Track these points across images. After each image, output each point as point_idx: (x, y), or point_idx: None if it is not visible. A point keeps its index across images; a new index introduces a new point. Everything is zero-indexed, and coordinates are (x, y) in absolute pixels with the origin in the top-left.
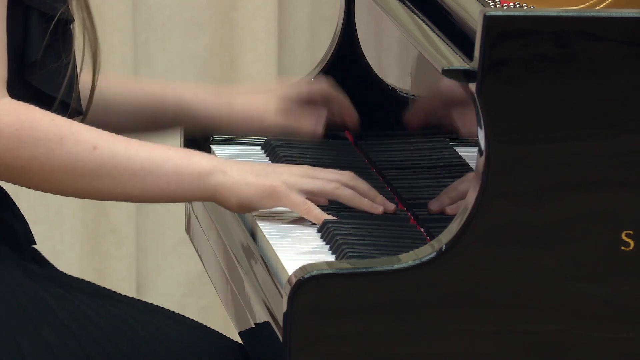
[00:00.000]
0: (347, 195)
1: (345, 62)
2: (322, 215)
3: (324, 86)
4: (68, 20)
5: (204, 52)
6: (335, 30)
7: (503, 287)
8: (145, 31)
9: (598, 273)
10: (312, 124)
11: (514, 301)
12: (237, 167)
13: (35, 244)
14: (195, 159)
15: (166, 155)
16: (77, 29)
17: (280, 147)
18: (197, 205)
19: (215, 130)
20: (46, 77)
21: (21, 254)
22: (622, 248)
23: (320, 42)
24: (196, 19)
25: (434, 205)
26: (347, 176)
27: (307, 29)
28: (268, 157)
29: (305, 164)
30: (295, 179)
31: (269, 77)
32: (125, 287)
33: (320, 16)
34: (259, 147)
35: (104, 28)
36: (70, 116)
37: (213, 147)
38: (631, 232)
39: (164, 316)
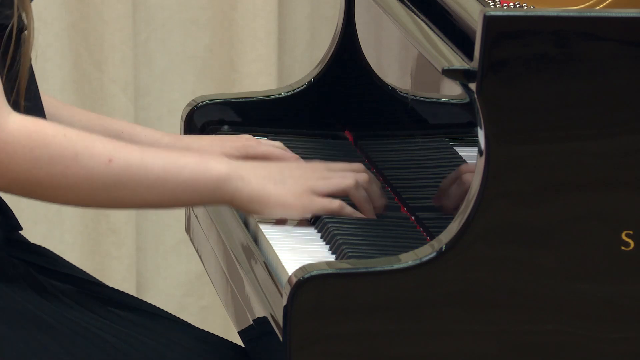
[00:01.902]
0: (360, 198)
1: (345, 62)
2: (355, 212)
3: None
4: (20, 29)
5: (204, 52)
6: (335, 30)
7: (503, 287)
8: (145, 31)
9: (598, 273)
10: None
11: (514, 301)
12: (255, 173)
13: (20, 229)
14: (212, 165)
15: (183, 162)
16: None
17: None
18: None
19: None
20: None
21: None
22: (622, 248)
23: (320, 42)
24: (196, 19)
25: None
26: (364, 176)
27: (307, 29)
28: None
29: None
30: (312, 182)
31: (269, 77)
32: (125, 287)
33: (320, 16)
34: None
35: (104, 28)
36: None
37: None
38: (631, 232)
39: (163, 323)
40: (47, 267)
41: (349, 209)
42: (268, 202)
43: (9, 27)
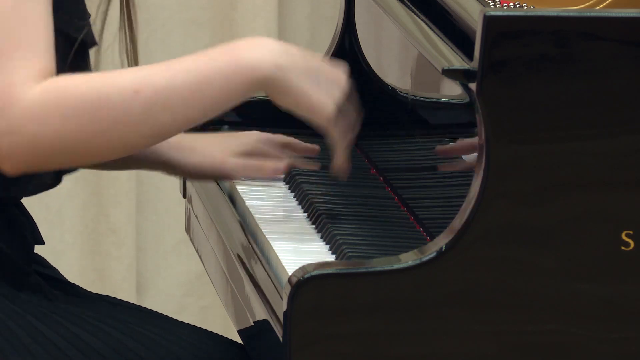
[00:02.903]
0: (336, 138)
1: (345, 62)
2: (346, 160)
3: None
4: (89, 43)
5: None
6: (335, 30)
7: (503, 287)
8: (145, 31)
9: (598, 273)
10: (273, 162)
11: (514, 301)
12: (291, 66)
13: (43, 243)
14: (242, 57)
15: (209, 68)
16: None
17: None
18: (197, 205)
19: (174, 170)
20: None
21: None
22: (622, 248)
23: (320, 42)
24: (196, 19)
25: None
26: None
27: (307, 29)
28: None
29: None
30: (336, 92)
31: None
32: (125, 287)
33: (320, 16)
34: None
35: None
36: None
37: None
38: (631, 232)
39: (162, 325)
40: (48, 274)
41: (345, 155)
42: (299, 100)
43: (79, 39)
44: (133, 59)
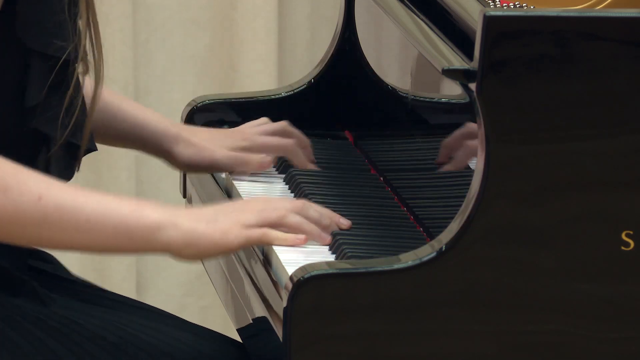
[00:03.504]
0: (294, 222)
1: (345, 62)
2: (281, 234)
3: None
4: (72, 61)
5: (204, 52)
6: (335, 30)
7: (503, 287)
8: (145, 31)
9: (598, 273)
10: (260, 156)
11: (514, 301)
12: (188, 217)
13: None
14: (146, 212)
15: (114, 205)
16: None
17: None
18: (197, 205)
19: (171, 161)
20: (48, 119)
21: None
22: (622, 248)
23: (320, 42)
24: (196, 19)
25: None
26: (297, 203)
27: (307, 29)
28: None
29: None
30: (243, 216)
31: (269, 77)
32: (125, 287)
33: (320, 16)
34: None
35: (104, 28)
36: (83, 155)
37: None
38: (631, 232)
39: (162, 324)
40: (51, 272)
41: (272, 234)
42: (198, 243)
43: (62, 60)
44: (98, 68)
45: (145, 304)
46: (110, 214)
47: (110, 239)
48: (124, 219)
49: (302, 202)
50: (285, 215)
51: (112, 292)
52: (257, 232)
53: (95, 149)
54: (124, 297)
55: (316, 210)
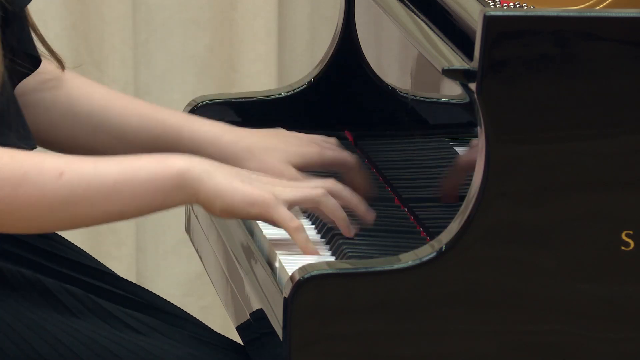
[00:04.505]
0: (330, 205)
1: (345, 62)
2: (308, 241)
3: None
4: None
5: (204, 52)
6: (335, 30)
7: (503, 287)
8: (145, 31)
9: (598, 273)
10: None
11: (514, 301)
12: (221, 169)
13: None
14: (172, 161)
15: (139, 163)
16: None
17: None
18: (197, 205)
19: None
20: None
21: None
22: (622, 248)
23: (320, 42)
24: (196, 19)
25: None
26: (330, 182)
27: (307, 29)
28: None
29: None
30: (280, 189)
31: (269, 77)
32: None
33: (320, 16)
34: None
35: (104, 28)
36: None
37: None
38: (631, 232)
39: (164, 320)
40: (55, 252)
41: (303, 235)
42: (234, 197)
43: None
44: None
45: (146, 300)
46: (137, 172)
47: (141, 197)
48: (151, 171)
49: (334, 181)
50: (324, 194)
51: (115, 276)
52: (295, 222)
53: (34, 146)
54: (126, 281)
55: (348, 189)
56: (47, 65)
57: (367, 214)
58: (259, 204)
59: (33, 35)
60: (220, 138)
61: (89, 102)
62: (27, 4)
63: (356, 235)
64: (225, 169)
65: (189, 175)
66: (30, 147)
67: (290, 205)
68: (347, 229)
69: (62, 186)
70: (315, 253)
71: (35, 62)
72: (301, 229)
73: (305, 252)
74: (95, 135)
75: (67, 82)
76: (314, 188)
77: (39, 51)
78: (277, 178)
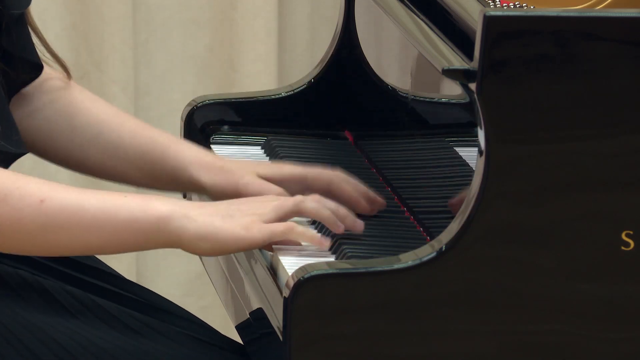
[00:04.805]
0: (312, 208)
1: (345, 62)
2: (308, 230)
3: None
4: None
5: (204, 52)
6: (335, 30)
7: (503, 287)
8: (145, 31)
9: (598, 273)
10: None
11: (514, 301)
12: (201, 211)
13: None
14: (154, 205)
15: (121, 202)
16: None
17: (280, 147)
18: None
19: (201, 191)
20: None
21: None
22: (622, 248)
23: (320, 42)
24: (196, 19)
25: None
26: (312, 196)
27: (307, 29)
28: (268, 157)
29: (304, 164)
30: (259, 211)
31: (269, 77)
32: None
33: (320, 16)
34: (259, 147)
35: (104, 28)
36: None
37: (213, 147)
38: (631, 232)
39: (164, 320)
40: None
41: (299, 228)
42: (217, 237)
43: None
44: None
45: (146, 299)
46: (118, 210)
47: (120, 236)
48: (132, 213)
49: (317, 195)
50: (302, 200)
51: (115, 275)
52: (281, 226)
53: (25, 151)
54: (126, 281)
55: (332, 202)
56: (52, 72)
57: (355, 225)
58: (247, 239)
59: (37, 40)
60: (203, 157)
61: (88, 115)
62: (26, 7)
63: (356, 235)
64: (205, 208)
65: (170, 223)
66: (16, 148)
67: (276, 221)
68: (335, 225)
69: (41, 213)
70: (324, 242)
71: (36, 67)
72: (294, 226)
73: (315, 243)
74: (89, 149)
75: (70, 93)
76: (290, 199)
77: (43, 57)
78: (258, 199)
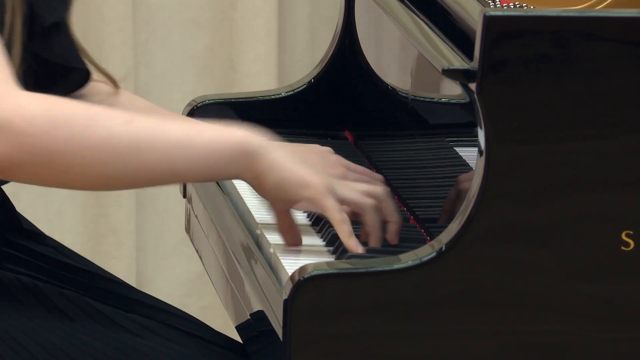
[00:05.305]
0: (372, 221)
1: (345, 62)
2: (351, 235)
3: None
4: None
5: (204, 52)
6: (335, 30)
7: (503, 287)
8: (145, 31)
9: (598, 273)
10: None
11: (514, 301)
12: (280, 146)
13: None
14: (233, 130)
15: (202, 126)
16: None
17: None
18: (197, 205)
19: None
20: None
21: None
22: (622, 248)
23: (320, 42)
24: (196, 19)
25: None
26: (380, 192)
27: (307, 29)
28: None
29: None
30: (335, 182)
31: (269, 77)
32: None
33: (320, 16)
34: None
35: (104, 28)
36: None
37: None
38: (631, 232)
39: (163, 320)
40: (51, 256)
41: (347, 229)
42: (290, 175)
43: None
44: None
45: (144, 294)
46: (201, 131)
47: (204, 158)
48: (214, 135)
49: (385, 192)
50: (372, 207)
51: (113, 280)
52: (344, 227)
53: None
54: (125, 285)
55: (393, 203)
56: (99, 85)
57: (395, 238)
58: (312, 189)
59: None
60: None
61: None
62: (61, 15)
63: (356, 235)
64: (285, 147)
65: (249, 146)
66: None
67: (341, 202)
68: (376, 239)
69: (130, 132)
70: (357, 249)
71: (82, 74)
72: (347, 222)
73: (348, 246)
74: None
75: (117, 99)
76: (366, 196)
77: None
78: (330, 161)
